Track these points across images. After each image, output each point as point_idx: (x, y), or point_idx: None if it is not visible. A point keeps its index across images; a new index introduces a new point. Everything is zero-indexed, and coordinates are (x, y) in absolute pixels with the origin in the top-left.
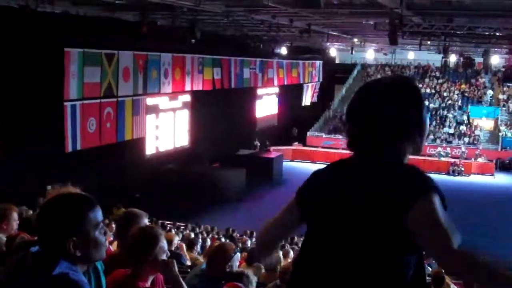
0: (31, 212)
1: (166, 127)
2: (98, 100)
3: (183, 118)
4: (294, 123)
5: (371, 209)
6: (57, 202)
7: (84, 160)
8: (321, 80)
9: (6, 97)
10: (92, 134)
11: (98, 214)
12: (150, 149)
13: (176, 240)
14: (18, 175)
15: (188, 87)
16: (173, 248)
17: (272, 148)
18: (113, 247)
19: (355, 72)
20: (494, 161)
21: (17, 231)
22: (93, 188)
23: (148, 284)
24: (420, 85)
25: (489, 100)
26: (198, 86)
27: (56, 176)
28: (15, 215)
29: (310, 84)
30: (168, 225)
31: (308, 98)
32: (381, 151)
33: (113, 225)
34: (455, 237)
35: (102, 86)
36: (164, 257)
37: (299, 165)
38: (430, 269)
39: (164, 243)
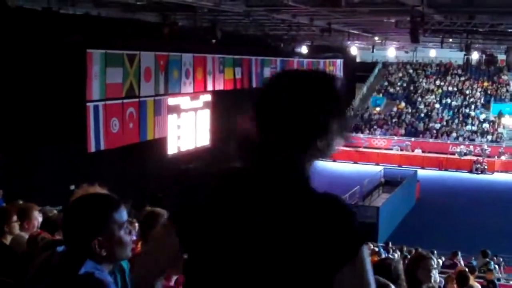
0: (54, 211)
1: (187, 126)
2: (120, 101)
3: (205, 117)
4: None
5: (284, 255)
6: (83, 203)
7: (106, 160)
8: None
9: (29, 98)
10: (115, 134)
11: (123, 214)
12: (172, 149)
13: None
14: (42, 175)
15: (209, 87)
16: None
17: None
18: (138, 247)
19: (376, 70)
20: None
21: (38, 230)
22: (115, 188)
23: (172, 283)
24: (442, 83)
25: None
26: (219, 86)
27: (79, 176)
28: (36, 214)
29: None
30: None
31: None
32: (284, 159)
33: (136, 225)
34: None
35: (124, 86)
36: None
37: (320, 164)
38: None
39: None
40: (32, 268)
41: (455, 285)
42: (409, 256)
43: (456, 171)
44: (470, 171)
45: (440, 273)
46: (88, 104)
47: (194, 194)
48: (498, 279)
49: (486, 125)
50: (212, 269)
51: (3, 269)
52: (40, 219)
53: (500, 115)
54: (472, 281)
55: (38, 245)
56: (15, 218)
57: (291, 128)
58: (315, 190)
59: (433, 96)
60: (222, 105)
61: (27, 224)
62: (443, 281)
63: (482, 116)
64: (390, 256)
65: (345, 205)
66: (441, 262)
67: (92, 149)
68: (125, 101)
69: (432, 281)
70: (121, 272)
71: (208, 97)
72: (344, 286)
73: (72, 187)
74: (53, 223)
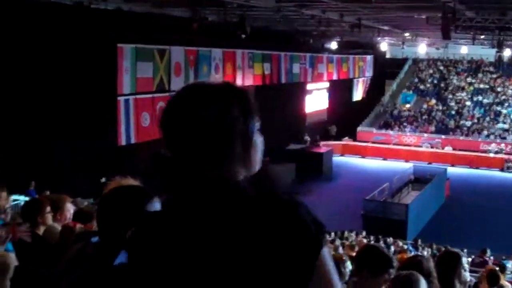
0: (86, 203)
1: None
2: (151, 95)
3: None
4: (334, 121)
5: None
6: (118, 194)
7: (136, 154)
8: (371, 75)
9: (61, 92)
10: (146, 128)
11: (156, 206)
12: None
13: None
14: (72, 168)
15: (239, 82)
16: None
17: (322, 143)
18: None
19: (406, 66)
20: None
21: (71, 221)
22: (144, 182)
23: None
24: (473, 80)
25: None
26: (249, 81)
27: (109, 169)
28: (68, 205)
29: (360, 79)
30: None
31: (359, 93)
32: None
33: None
34: None
35: (154, 80)
36: None
37: (350, 160)
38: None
39: None
40: (66, 258)
41: (486, 285)
42: (438, 254)
43: (487, 169)
44: (502, 170)
45: (470, 271)
46: (119, 98)
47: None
48: None
49: None
50: None
51: (36, 260)
52: (72, 210)
53: None
54: (503, 280)
55: (71, 236)
56: (48, 209)
57: (196, 146)
58: (255, 197)
59: (464, 93)
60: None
61: (60, 215)
62: (473, 279)
63: None
64: (419, 253)
65: (291, 206)
66: (470, 260)
67: (123, 142)
68: (155, 95)
69: (462, 279)
70: None
71: None
72: None
73: (103, 179)
74: (85, 214)
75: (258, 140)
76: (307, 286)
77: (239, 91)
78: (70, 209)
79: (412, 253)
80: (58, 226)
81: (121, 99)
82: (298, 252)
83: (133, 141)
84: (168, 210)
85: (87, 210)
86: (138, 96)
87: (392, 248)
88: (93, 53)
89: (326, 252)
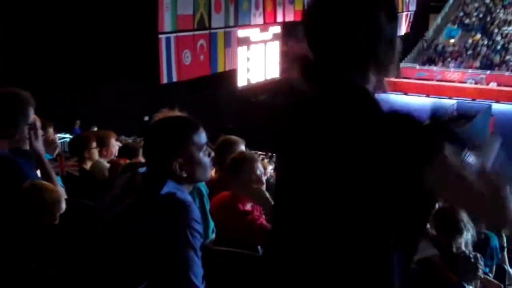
0: (129, 140)
1: (257, 59)
2: (191, 33)
3: (274, 50)
4: None
5: (356, 171)
6: (163, 125)
7: (178, 93)
8: (415, 8)
9: (101, 31)
10: (187, 66)
11: (202, 136)
12: (241, 81)
13: (270, 168)
14: (115, 107)
15: (279, 19)
16: (268, 175)
17: None
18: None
19: (451, 0)
20: None
21: (116, 157)
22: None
23: (248, 207)
24: None
25: None
26: (290, 17)
27: (151, 107)
28: (113, 141)
29: (404, 13)
30: (261, 156)
31: (402, 27)
32: (347, 78)
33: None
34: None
35: (195, 18)
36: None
37: (392, 97)
38: None
39: (260, 167)
40: (115, 188)
41: None
42: None
43: None
44: None
45: None
46: (160, 36)
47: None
48: None
49: None
50: (287, 190)
51: (85, 193)
52: (117, 146)
53: None
54: None
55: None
56: (94, 144)
57: (343, 47)
58: (383, 107)
59: (511, 28)
60: (291, 37)
61: (106, 151)
62: None
63: None
64: None
65: (416, 117)
66: None
67: (165, 80)
68: (196, 33)
69: None
70: (200, 195)
71: (277, 29)
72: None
73: (146, 118)
74: (131, 149)
75: (398, 43)
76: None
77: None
78: (115, 145)
79: None
80: (104, 162)
81: (163, 37)
82: (418, 141)
83: (175, 79)
84: (305, 103)
85: (133, 145)
86: (179, 34)
87: None
88: None
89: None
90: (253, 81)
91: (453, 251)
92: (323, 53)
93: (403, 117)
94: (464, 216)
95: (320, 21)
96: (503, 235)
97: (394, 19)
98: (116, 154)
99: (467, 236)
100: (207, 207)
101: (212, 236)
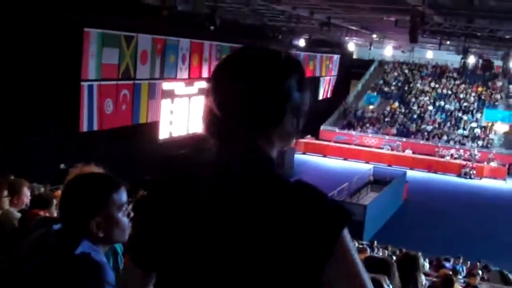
0: (42, 189)
1: (180, 112)
2: (115, 82)
3: (198, 104)
4: None
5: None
6: (82, 181)
7: (96, 141)
8: (337, 74)
9: (23, 74)
10: (109, 115)
11: (123, 196)
12: (163, 134)
13: None
14: (31, 152)
15: (205, 74)
16: None
17: None
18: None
19: (372, 68)
20: (507, 166)
21: (28, 207)
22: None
23: None
24: (437, 85)
25: (504, 105)
26: None
27: (68, 155)
28: (26, 190)
29: (326, 78)
30: None
31: (324, 92)
32: (251, 145)
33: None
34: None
35: (120, 67)
36: None
37: (311, 158)
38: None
39: None
40: (27, 244)
41: None
42: (393, 256)
43: (444, 174)
44: (459, 175)
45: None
46: (82, 83)
47: (154, 209)
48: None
49: (477, 130)
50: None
51: None
52: (29, 195)
53: (491, 121)
54: (456, 285)
55: (31, 223)
56: (5, 193)
57: (245, 111)
58: (286, 178)
59: (427, 98)
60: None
61: (17, 200)
62: (427, 283)
63: (474, 122)
64: (375, 254)
65: (316, 190)
66: (427, 264)
67: (84, 128)
68: (119, 82)
69: (419, 280)
70: (114, 254)
71: (203, 84)
72: (335, 278)
73: (62, 166)
74: (44, 201)
75: (305, 111)
76: (324, 265)
77: (296, 62)
78: (27, 194)
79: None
80: (15, 211)
81: (85, 84)
82: (319, 228)
83: (95, 127)
84: (201, 170)
85: (46, 196)
86: (102, 83)
87: None
88: (59, 36)
89: (347, 234)
90: (175, 134)
91: None
92: (226, 114)
93: (306, 191)
94: None
95: (224, 81)
96: None
97: (303, 87)
98: (28, 203)
99: None
100: (121, 267)
101: None
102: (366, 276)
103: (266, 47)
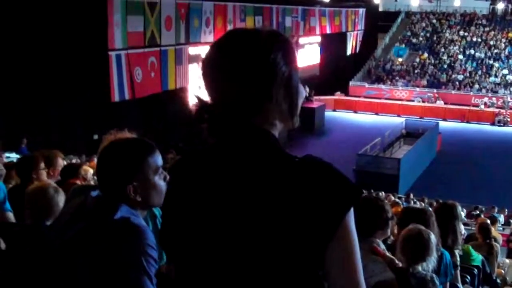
0: (75, 160)
1: None
2: (142, 50)
3: None
4: (326, 76)
5: (264, 231)
6: (117, 148)
7: (128, 110)
8: (364, 28)
9: (51, 48)
10: (139, 83)
11: (158, 159)
12: (193, 99)
13: None
14: (65, 125)
15: None
16: None
17: (314, 98)
18: None
19: (399, 20)
20: None
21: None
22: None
23: None
24: (466, 34)
25: None
26: None
27: (101, 126)
28: (60, 161)
29: (353, 33)
30: None
31: (351, 47)
32: (245, 124)
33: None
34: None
35: (145, 35)
36: None
37: (341, 115)
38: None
39: None
40: (67, 212)
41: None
42: (430, 208)
43: (478, 123)
44: (492, 124)
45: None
46: (110, 53)
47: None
48: None
49: (510, 77)
50: (192, 259)
51: None
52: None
53: None
54: (494, 232)
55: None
56: (42, 165)
57: (233, 87)
58: (289, 154)
59: (457, 47)
60: None
61: (52, 171)
62: (466, 232)
63: (505, 68)
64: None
65: (322, 168)
66: (463, 213)
67: (116, 98)
68: (146, 50)
69: (458, 230)
70: (153, 217)
71: None
72: (331, 263)
73: (95, 136)
74: (72, 169)
75: (301, 90)
76: (326, 247)
77: (283, 39)
78: (62, 165)
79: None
80: (52, 182)
81: (113, 54)
82: (321, 210)
83: (127, 97)
84: (204, 153)
85: (73, 165)
86: (130, 51)
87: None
88: (83, 6)
89: (351, 219)
90: (205, 99)
91: (410, 271)
92: (217, 95)
93: (311, 169)
94: (434, 240)
95: (211, 67)
96: (456, 253)
97: (291, 61)
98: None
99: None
100: None
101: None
102: (359, 268)
103: (252, 28)
